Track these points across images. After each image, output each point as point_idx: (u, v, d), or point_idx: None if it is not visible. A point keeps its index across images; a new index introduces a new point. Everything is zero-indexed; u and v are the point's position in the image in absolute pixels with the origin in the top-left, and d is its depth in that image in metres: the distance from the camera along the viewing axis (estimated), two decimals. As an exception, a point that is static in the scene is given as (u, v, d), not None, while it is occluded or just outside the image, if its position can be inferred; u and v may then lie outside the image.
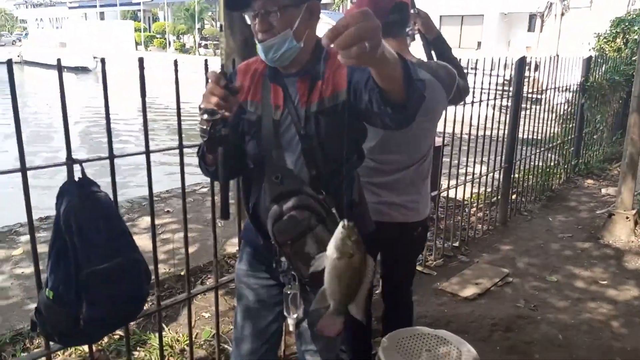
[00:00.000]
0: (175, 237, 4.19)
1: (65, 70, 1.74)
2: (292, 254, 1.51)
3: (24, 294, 3.52)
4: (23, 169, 1.65)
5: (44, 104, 17.35)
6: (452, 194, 4.20)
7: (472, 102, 3.92)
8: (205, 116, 1.37)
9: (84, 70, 30.47)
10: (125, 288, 1.71)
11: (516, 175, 5.15)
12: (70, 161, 1.71)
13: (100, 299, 1.66)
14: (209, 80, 1.39)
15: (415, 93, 1.24)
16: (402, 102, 1.24)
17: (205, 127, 1.38)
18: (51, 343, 1.83)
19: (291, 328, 1.68)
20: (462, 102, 2.89)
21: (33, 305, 3.28)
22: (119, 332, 2.97)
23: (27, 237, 4.57)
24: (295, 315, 1.63)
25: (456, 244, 4.30)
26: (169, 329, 3.01)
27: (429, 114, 2.24)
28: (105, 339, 2.92)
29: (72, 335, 1.70)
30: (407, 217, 2.24)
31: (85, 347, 2.81)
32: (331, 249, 1.21)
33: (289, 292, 1.61)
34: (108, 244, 1.67)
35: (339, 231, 1.21)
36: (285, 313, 1.65)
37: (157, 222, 2.17)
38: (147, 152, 1.97)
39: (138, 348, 2.83)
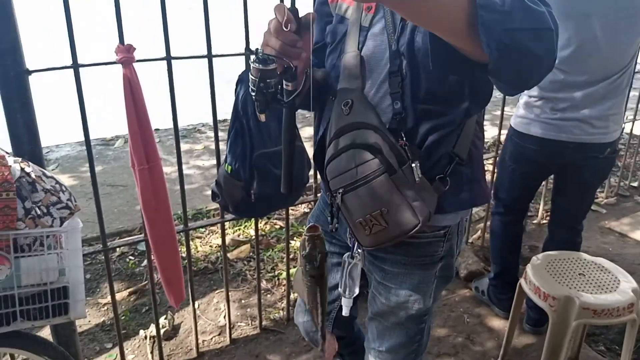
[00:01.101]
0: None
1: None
2: (343, 207, 1.15)
3: (204, 182, 4.03)
4: (209, 56, 1.84)
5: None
6: (635, 129, 3.74)
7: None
8: (256, 64, 1.00)
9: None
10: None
11: None
12: (248, 51, 1.87)
13: (270, 178, 1.84)
14: (275, 16, 1.00)
15: (507, 49, 0.81)
16: (485, 60, 0.84)
17: (254, 77, 1.01)
18: (226, 214, 2.10)
19: (344, 312, 1.26)
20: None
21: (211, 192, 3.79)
22: (280, 223, 3.29)
23: (209, 134, 5.18)
24: (352, 295, 1.25)
25: (634, 184, 3.88)
26: (323, 227, 3.24)
27: (636, 20, 1.99)
28: (268, 227, 3.26)
29: (244, 208, 1.91)
30: (592, 136, 2.05)
31: (251, 231, 3.17)
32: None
33: (349, 262, 1.23)
34: (279, 130, 1.82)
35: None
36: (340, 288, 1.25)
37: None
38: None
39: (294, 238, 3.10)
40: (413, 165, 1.08)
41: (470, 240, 3.10)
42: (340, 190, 1.13)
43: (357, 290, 1.24)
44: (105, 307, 2.53)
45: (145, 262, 2.91)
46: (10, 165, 1.27)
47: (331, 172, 1.15)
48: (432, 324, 1.41)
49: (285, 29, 0.98)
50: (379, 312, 1.33)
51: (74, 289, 1.43)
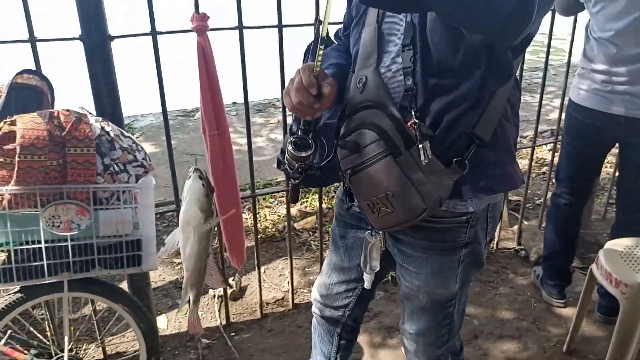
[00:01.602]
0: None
1: None
2: (352, 188, 1.15)
3: (275, 154, 4.12)
4: (280, 26, 1.88)
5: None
6: None
7: None
8: (294, 151, 1.08)
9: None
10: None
11: None
12: (319, 23, 1.88)
13: (332, 149, 1.86)
14: (300, 73, 1.03)
15: None
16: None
17: (292, 160, 1.10)
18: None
19: (367, 285, 1.30)
20: None
21: (282, 164, 3.90)
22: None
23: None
24: (373, 270, 1.27)
25: None
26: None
27: None
28: (334, 200, 3.29)
29: (306, 177, 1.96)
30: None
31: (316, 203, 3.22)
32: (194, 213, 1.05)
33: (370, 240, 1.24)
34: (339, 102, 1.84)
35: (196, 185, 1.04)
36: (361, 265, 1.29)
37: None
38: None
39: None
40: (421, 146, 1.02)
41: (543, 225, 2.98)
42: (349, 171, 1.12)
43: (377, 266, 1.25)
44: (179, 266, 2.69)
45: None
46: (92, 124, 1.38)
47: (341, 152, 1.14)
48: (464, 306, 1.37)
49: (308, 90, 1.01)
50: (404, 294, 1.33)
51: (147, 242, 1.54)
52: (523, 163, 3.82)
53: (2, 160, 1.32)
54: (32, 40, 1.56)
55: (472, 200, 1.13)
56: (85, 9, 1.55)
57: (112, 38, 1.61)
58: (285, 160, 1.13)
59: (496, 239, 2.85)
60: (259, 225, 2.49)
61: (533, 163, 2.87)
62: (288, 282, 2.43)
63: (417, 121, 1.03)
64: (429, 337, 1.36)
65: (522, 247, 2.84)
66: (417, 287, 1.25)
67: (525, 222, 2.96)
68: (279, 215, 3.13)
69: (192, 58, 1.75)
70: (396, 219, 1.09)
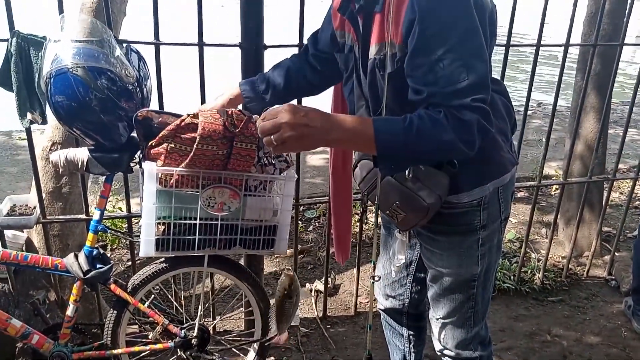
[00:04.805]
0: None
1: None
2: (372, 203, 1.36)
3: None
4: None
5: None
6: None
7: None
8: None
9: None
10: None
11: None
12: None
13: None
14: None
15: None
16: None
17: None
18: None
19: (393, 274, 1.55)
20: None
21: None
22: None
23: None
24: (399, 264, 1.47)
25: None
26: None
27: None
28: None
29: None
30: None
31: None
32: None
33: (397, 237, 1.43)
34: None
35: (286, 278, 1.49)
36: (390, 256, 1.51)
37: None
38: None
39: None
40: None
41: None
42: (365, 192, 1.36)
43: (403, 259, 1.46)
44: (277, 260, 2.89)
45: (310, 228, 3.24)
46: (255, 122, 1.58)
47: (356, 178, 1.38)
48: (489, 296, 1.49)
49: None
50: (430, 278, 1.46)
51: (281, 228, 1.72)
52: (614, 196, 3.79)
53: (178, 146, 1.55)
54: (201, 44, 1.80)
55: (475, 190, 1.29)
56: (248, 20, 1.77)
57: (266, 47, 1.83)
58: None
59: (587, 267, 2.87)
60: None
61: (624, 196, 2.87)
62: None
63: None
64: (455, 320, 1.48)
65: (613, 277, 2.84)
66: (441, 267, 1.40)
67: (617, 254, 2.96)
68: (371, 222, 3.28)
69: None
70: (413, 220, 1.28)
